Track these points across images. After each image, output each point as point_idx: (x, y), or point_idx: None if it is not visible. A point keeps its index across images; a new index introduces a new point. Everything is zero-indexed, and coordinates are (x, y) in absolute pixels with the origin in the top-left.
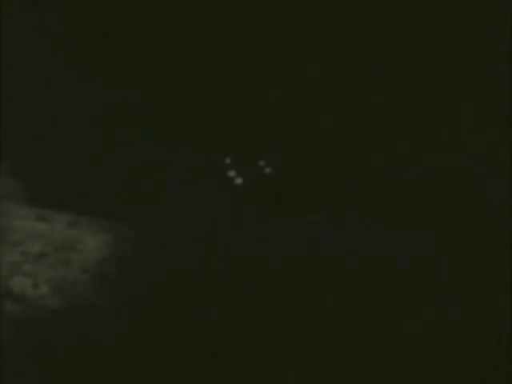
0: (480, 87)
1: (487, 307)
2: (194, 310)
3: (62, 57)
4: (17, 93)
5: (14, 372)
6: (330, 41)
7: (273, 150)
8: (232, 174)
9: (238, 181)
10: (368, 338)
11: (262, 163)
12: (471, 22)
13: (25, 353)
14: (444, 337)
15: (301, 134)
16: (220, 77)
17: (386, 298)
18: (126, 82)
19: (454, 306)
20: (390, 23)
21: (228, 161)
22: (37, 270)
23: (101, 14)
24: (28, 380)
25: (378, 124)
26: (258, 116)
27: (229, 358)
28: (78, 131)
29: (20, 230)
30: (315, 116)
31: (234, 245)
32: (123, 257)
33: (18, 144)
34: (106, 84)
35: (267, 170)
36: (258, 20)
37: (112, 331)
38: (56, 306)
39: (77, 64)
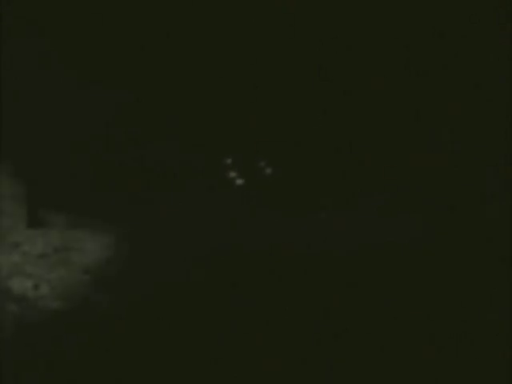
0: (480, 87)
1: (487, 301)
2: (194, 309)
3: (62, 58)
4: (17, 94)
5: (14, 371)
6: (330, 42)
7: (273, 150)
8: (233, 174)
9: (239, 181)
10: (370, 333)
11: (262, 164)
12: (471, 22)
13: (25, 352)
14: (445, 334)
15: (300, 135)
16: (220, 78)
17: (385, 295)
18: (127, 83)
19: (455, 300)
20: (391, 24)
21: (229, 161)
22: (37, 270)
23: (101, 14)
24: (28, 379)
25: (378, 123)
26: (258, 117)
27: (230, 358)
28: (78, 132)
29: (20, 231)
30: (315, 117)
31: (234, 244)
32: (123, 258)
33: (18, 144)
34: (106, 85)
35: (267, 170)
36: (258, 22)
37: (111, 331)
38: (56, 307)
39: (77, 65)
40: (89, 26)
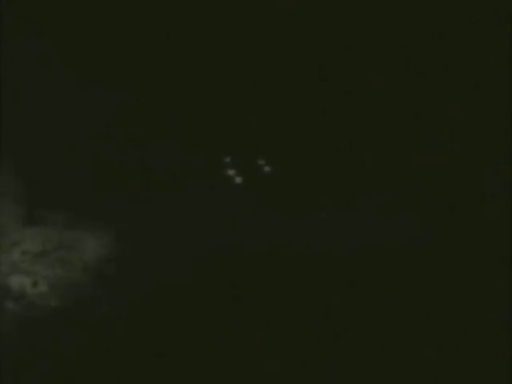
0: (480, 87)
1: (487, 301)
2: (194, 309)
3: (62, 58)
4: (17, 94)
5: (13, 368)
6: (330, 42)
7: (272, 149)
8: (233, 175)
9: (239, 181)
10: (370, 333)
11: (261, 162)
12: (471, 22)
13: (24, 350)
14: (445, 334)
15: (300, 134)
16: (220, 78)
17: (385, 295)
18: (127, 83)
19: (455, 300)
20: (391, 24)
21: (229, 162)
22: (36, 268)
23: (101, 14)
24: (28, 378)
25: (378, 123)
26: (257, 115)
27: (230, 358)
28: (78, 132)
29: (20, 230)
30: (315, 116)
31: (233, 243)
32: (123, 257)
33: (18, 144)
34: (106, 85)
35: (266, 168)
36: (258, 22)
37: (111, 330)
38: (55, 304)
39: (77, 65)
40: (89, 25)
